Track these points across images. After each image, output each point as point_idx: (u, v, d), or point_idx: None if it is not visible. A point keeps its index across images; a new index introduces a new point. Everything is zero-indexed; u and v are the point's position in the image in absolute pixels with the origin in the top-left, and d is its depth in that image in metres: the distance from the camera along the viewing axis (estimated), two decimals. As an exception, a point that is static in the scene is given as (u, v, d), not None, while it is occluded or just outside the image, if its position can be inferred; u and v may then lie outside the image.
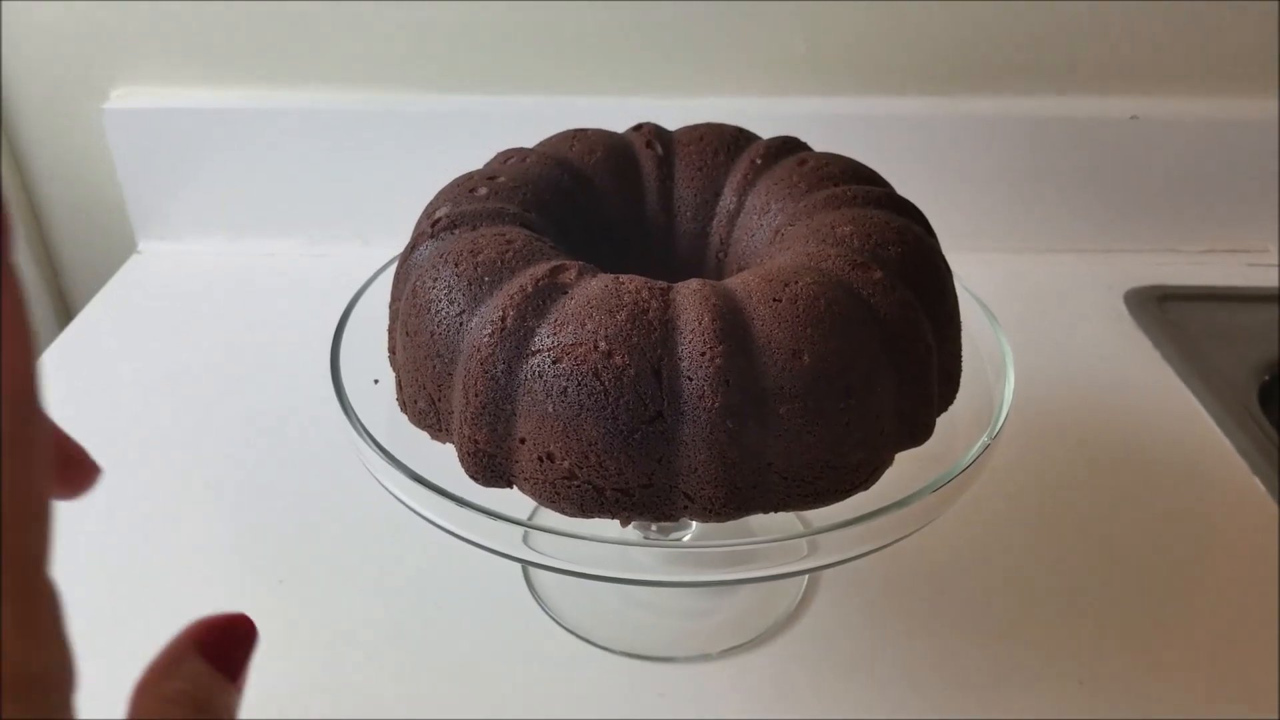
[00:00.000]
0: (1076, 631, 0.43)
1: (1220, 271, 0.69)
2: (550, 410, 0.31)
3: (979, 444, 0.34)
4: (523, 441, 0.32)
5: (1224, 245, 0.71)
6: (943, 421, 0.36)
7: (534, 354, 0.31)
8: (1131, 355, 0.61)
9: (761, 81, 0.65)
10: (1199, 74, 0.66)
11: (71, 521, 0.47)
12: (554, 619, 0.43)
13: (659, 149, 0.41)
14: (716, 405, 0.30)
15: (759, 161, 0.40)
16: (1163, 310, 0.65)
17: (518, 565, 0.45)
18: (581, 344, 0.31)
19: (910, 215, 0.37)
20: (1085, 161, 0.67)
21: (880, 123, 0.65)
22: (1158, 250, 0.71)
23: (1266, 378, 0.59)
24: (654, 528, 0.41)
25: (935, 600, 0.44)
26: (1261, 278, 0.69)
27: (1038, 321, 0.64)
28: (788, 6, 0.63)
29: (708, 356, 0.30)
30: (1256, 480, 0.51)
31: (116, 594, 0.43)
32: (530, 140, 0.44)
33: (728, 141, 0.41)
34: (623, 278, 0.32)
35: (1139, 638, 0.43)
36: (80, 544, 0.46)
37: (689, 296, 0.32)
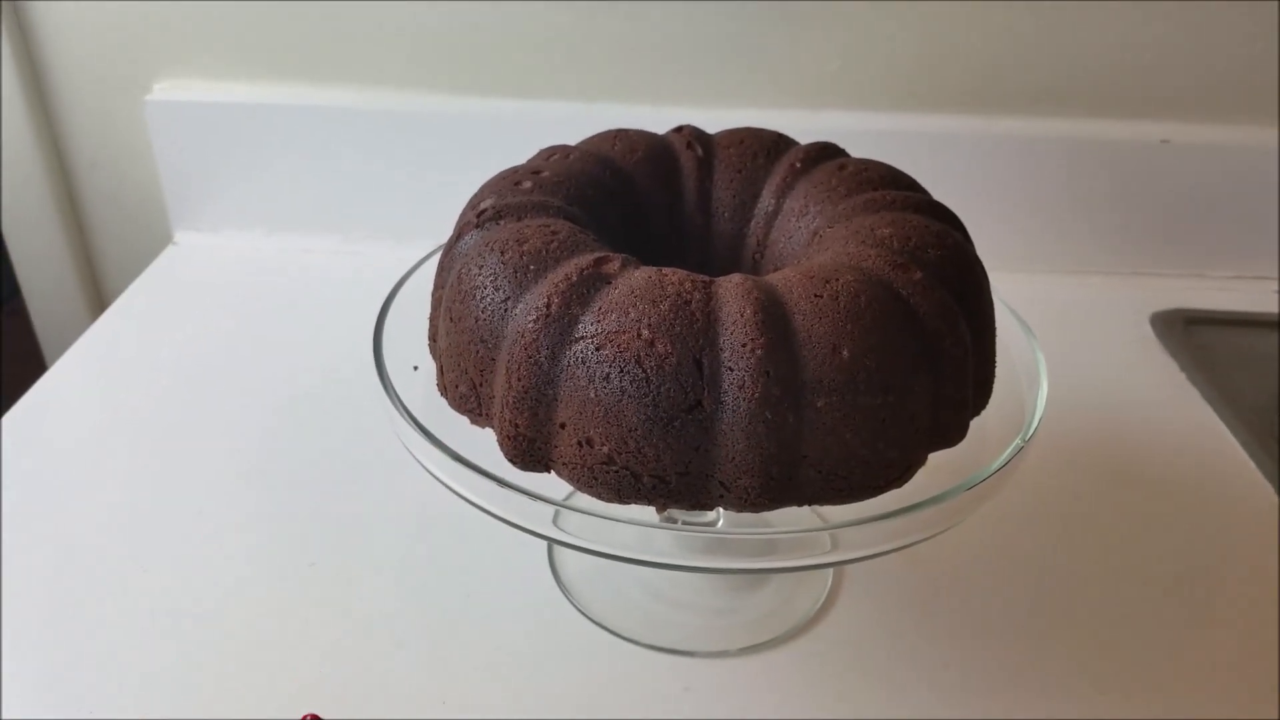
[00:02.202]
0: (1099, 643, 0.43)
1: (1246, 298, 0.69)
2: (592, 396, 0.31)
3: (1013, 446, 0.35)
4: (563, 427, 0.32)
5: (1251, 272, 0.71)
6: (972, 429, 0.36)
7: (578, 340, 0.32)
8: (1157, 377, 0.61)
9: (795, 95, 0.66)
10: (1230, 100, 0.66)
11: (106, 508, 0.48)
12: (580, 610, 0.43)
13: (699, 150, 0.42)
14: (756, 396, 0.30)
15: (798, 165, 0.41)
16: (1188, 334, 0.65)
17: (545, 558, 0.46)
18: (625, 331, 0.31)
19: (948, 221, 0.38)
20: (1115, 184, 0.68)
21: (910, 139, 0.66)
22: (1185, 275, 0.71)
23: (1292, 403, 0.59)
24: (681, 521, 0.42)
25: (957, 608, 0.44)
26: (1287, 305, 0.69)
27: (1064, 342, 0.64)
28: (823, 23, 0.64)
29: (749, 348, 0.31)
30: (1281, 503, 0.51)
31: (151, 578, 0.44)
32: (568, 144, 0.44)
33: (767, 145, 0.42)
34: (666, 270, 0.33)
35: (1161, 653, 0.43)
36: (115, 530, 0.47)
37: (731, 289, 0.32)
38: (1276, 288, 0.71)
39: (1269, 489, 0.52)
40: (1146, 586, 0.46)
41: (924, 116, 0.67)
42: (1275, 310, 0.68)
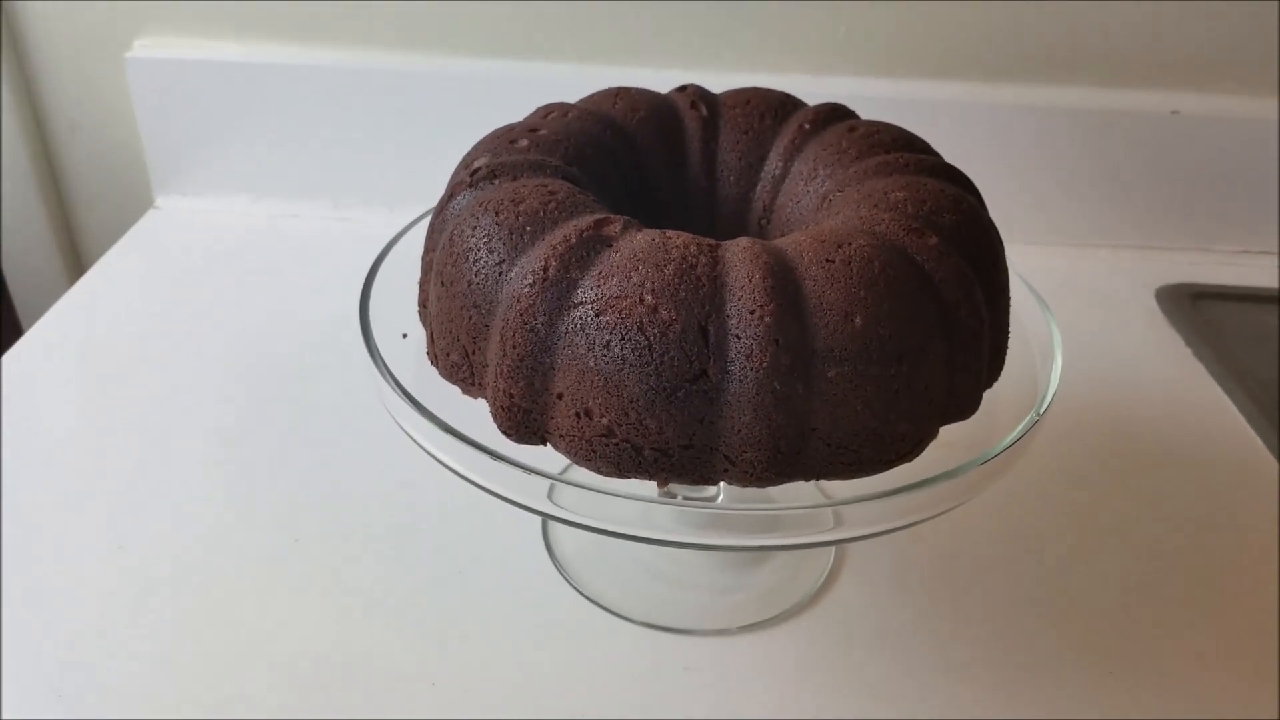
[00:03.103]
0: (1105, 623, 0.42)
1: (1252, 273, 0.68)
2: (591, 365, 0.30)
3: (1026, 420, 0.33)
4: (560, 397, 0.31)
5: (1257, 247, 0.70)
6: (982, 403, 0.35)
7: (576, 306, 0.30)
8: (1163, 352, 0.60)
9: (800, 60, 0.64)
10: (1241, 71, 0.65)
11: (80, 479, 0.46)
12: (576, 588, 0.42)
13: (704, 110, 0.40)
14: (764, 365, 0.29)
15: (807, 127, 0.39)
16: (1195, 309, 0.64)
17: (539, 534, 0.44)
18: (626, 297, 0.30)
19: (963, 185, 0.36)
20: (1123, 154, 0.66)
21: (917, 107, 0.64)
22: (1192, 249, 0.70)
23: (1300, 379, 0.58)
24: (680, 496, 0.41)
25: (961, 588, 0.43)
26: (1294, 281, 0.68)
27: (1069, 316, 0.62)
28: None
29: (757, 315, 0.29)
30: (1290, 481, 0.50)
31: (127, 554, 0.42)
32: (567, 104, 0.42)
33: (775, 106, 0.40)
34: (670, 233, 0.31)
35: (1169, 632, 0.42)
36: (90, 503, 0.45)
37: (739, 254, 0.31)
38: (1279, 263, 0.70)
39: (1274, 464, 0.51)
40: (1152, 563, 0.45)
41: (930, 83, 0.65)
42: (1282, 286, 0.67)
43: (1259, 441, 0.53)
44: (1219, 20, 0.63)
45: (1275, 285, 0.67)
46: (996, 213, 0.38)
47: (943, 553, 0.45)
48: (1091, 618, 0.42)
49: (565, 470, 0.40)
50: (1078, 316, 0.63)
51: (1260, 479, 0.51)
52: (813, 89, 0.63)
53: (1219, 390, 0.57)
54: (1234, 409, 0.55)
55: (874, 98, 0.64)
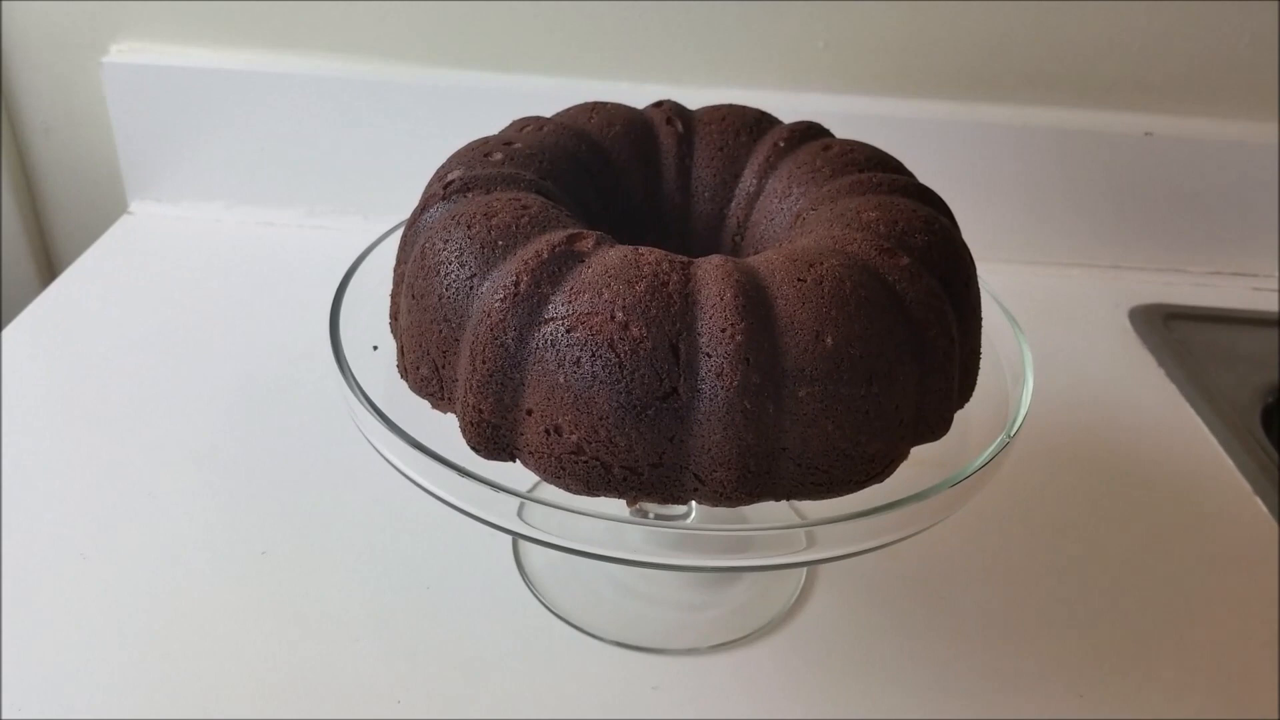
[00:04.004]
0: (1077, 643, 0.42)
1: (1225, 294, 0.69)
2: (561, 381, 0.30)
3: (997, 441, 0.33)
4: (530, 413, 0.31)
5: (1230, 268, 0.71)
6: (954, 422, 0.35)
7: (547, 322, 0.30)
8: (1135, 373, 0.61)
9: (777, 75, 0.65)
10: (1214, 94, 0.66)
11: (47, 489, 0.45)
12: (545, 605, 0.41)
13: (679, 126, 0.40)
14: (735, 384, 0.29)
15: (782, 145, 0.39)
16: (1168, 329, 0.64)
17: (509, 550, 0.44)
18: (597, 313, 0.29)
19: (935, 206, 0.36)
20: (1097, 175, 0.67)
21: (893, 124, 0.65)
22: (1164, 269, 0.71)
23: (1270, 400, 0.58)
24: (652, 515, 0.40)
25: (932, 606, 0.43)
26: (1265, 302, 0.69)
27: (1042, 334, 0.63)
28: (808, 1, 0.62)
29: (728, 333, 0.29)
30: (1258, 500, 0.51)
31: (91, 565, 0.42)
32: (543, 117, 0.42)
33: (750, 123, 0.40)
34: (642, 249, 0.31)
35: (1138, 652, 0.42)
36: (56, 513, 0.44)
37: (711, 271, 0.30)
38: (1256, 285, 0.70)
39: (1245, 485, 0.52)
40: (1123, 583, 0.45)
41: (906, 101, 0.65)
42: (1253, 307, 0.68)
43: (1230, 462, 0.53)
44: (1192, 44, 0.64)
45: (1247, 306, 0.68)
46: (971, 232, 0.39)
47: (915, 571, 0.45)
48: (1062, 637, 0.42)
49: (535, 488, 0.39)
50: (1052, 336, 0.63)
51: (1231, 499, 0.51)
52: (790, 105, 0.63)
53: (1190, 410, 0.57)
54: (1205, 429, 0.56)
55: (849, 114, 0.64)
